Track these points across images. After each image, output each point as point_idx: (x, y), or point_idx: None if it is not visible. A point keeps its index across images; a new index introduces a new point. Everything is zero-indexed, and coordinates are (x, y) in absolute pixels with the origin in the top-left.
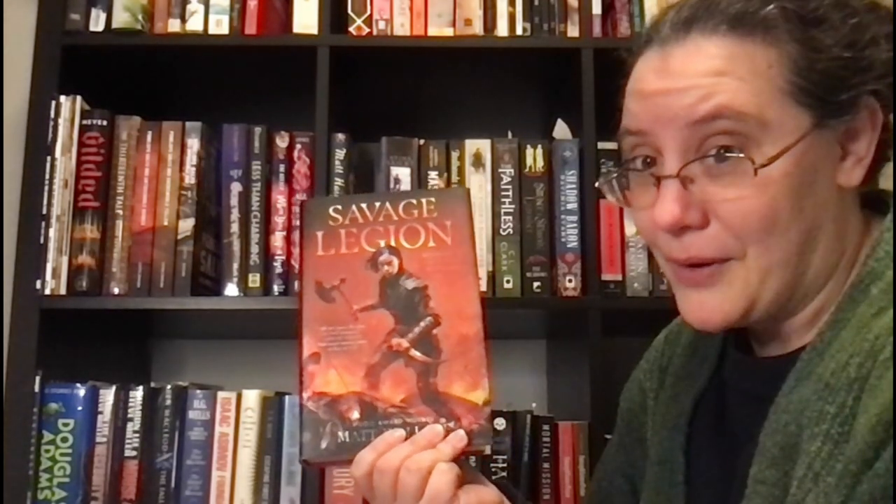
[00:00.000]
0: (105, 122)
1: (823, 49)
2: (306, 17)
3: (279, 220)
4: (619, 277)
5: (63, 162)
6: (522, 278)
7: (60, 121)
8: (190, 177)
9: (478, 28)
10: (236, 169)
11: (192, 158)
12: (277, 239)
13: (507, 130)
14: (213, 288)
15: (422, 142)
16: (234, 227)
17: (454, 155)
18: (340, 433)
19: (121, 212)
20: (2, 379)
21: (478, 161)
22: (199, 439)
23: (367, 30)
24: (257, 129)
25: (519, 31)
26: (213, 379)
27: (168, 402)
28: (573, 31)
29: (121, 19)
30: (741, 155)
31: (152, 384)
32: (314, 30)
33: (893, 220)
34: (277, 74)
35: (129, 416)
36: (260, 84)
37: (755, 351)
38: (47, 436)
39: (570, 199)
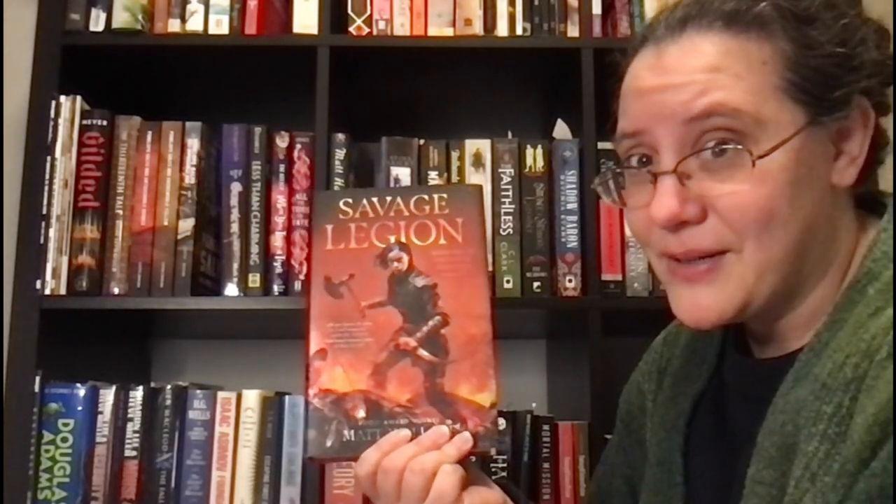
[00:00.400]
0: (105, 122)
1: (816, 46)
2: (306, 17)
3: (279, 220)
4: (619, 277)
5: (63, 162)
6: (522, 278)
7: (60, 121)
8: (190, 177)
9: (478, 28)
10: (236, 169)
11: (192, 158)
12: (277, 239)
13: (507, 130)
14: (213, 288)
15: (422, 142)
16: (234, 227)
17: (454, 155)
18: (346, 431)
19: (121, 212)
20: (2, 379)
21: (478, 161)
22: (199, 439)
23: (367, 30)
24: (257, 129)
25: (519, 31)
26: (213, 379)
27: (168, 402)
28: (573, 31)
29: (121, 19)
30: (739, 147)
31: (152, 384)
32: (314, 30)
33: (893, 220)
34: (277, 74)
35: (129, 416)
36: (260, 84)
37: (754, 352)
38: (47, 436)
39: (570, 199)
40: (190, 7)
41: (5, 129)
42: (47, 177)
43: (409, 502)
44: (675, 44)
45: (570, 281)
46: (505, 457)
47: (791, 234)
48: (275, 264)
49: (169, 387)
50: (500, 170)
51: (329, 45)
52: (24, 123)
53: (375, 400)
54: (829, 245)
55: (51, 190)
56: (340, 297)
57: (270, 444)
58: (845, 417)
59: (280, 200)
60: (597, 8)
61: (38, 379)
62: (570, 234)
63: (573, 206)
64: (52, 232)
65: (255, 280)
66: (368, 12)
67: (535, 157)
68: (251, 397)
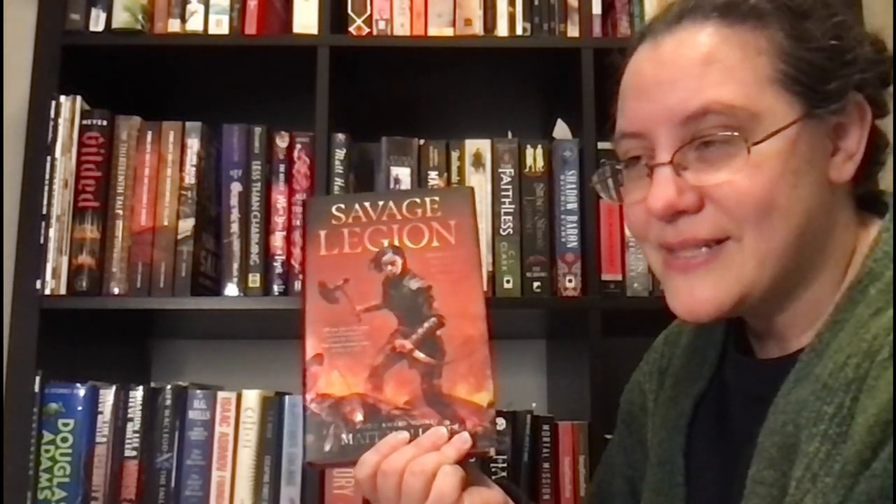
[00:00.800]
0: (105, 122)
1: (811, 39)
2: (306, 17)
3: (279, 220)
4: (619, 277)
5: (63, 162)
6: (522, 278)
7: (60, 121)
8: (190, 177)
9: (478, 28)
10: (236, 169)
11: (192, 158)
12: (277, 239)
13: (507, 130)
14: (213, 288)
15: (422, 142)
16: (234, 227)
17: (454, 155)
18: (344, 435)
19: (121, 212)
20: (2, 379)
21: (478, 161)
22: (199, 439)
23: (367, 30)
24: (257, 129)
25: (519, 31)
26: (213, 379)
27: (168, 402)
28: (573, 31)
29: (121, 19)
30: (736, 134)
31: (152, 384)
32: (314, 30)
33: (893, 220)
34: (277, 74)
35: (129, 416)
36: (260, 84)
37: (755, 352)
38: (47, 436)
39: (570, 199)
40: (190, 7)
41: (5, 129)
42: (47, 177)
43: None
44: (672, 35)
45: (570, 281)
46: (505, 457)
47: (791, 225)
48: (275, 264)
49: (169, 387)
50: (500, 170)
51: (329, 45)
52: (24, 123)
53: (373, 403)
54: (827, 241)
55: (51, 190)
56: (336, 301)
57: (270, 444)
58: (846, 418)
59: (280, 200)
60: (597, 8)
61: (38, 379)
62: (570, 234)
63: (573, 206)
64: (52, 232)
65: (255, 280)
66: (368, 12)
67: (535, 157)
68: (251, 397)
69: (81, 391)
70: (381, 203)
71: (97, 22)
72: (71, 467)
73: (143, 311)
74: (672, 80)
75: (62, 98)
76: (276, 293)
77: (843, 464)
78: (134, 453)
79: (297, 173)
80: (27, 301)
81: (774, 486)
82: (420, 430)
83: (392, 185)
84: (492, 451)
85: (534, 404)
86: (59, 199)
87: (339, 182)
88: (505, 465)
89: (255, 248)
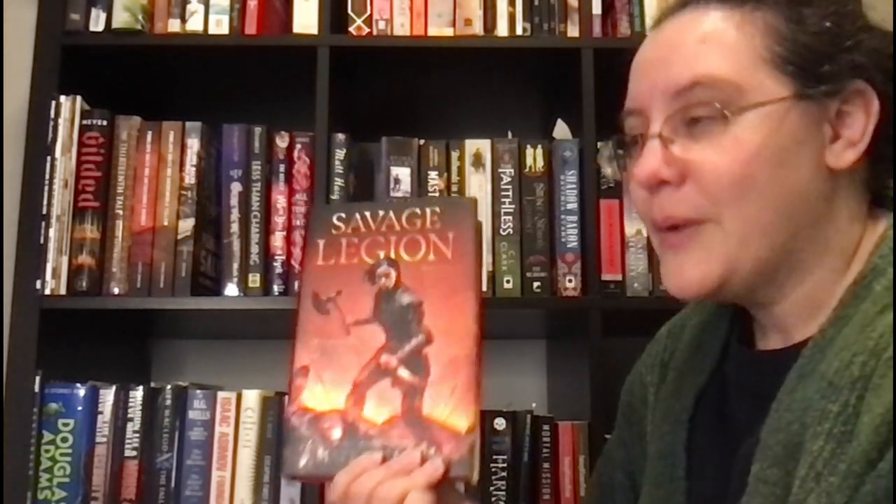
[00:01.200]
0: (105, 122)
1: (808, 23)
2: (306, 17)
3: (279, 220)
4: (619, 277)
5: (63, 162)
6: (522, 278)
7: (60, 121)
8: (190, 177)
9: (478, 28)
10: (236, 169)
11: (192, 158)
12: (277, 239)
13: (507, 130)
14: (213, 288)
15: (422, 142)
16: (234, 227)
17: (454, 155)
18: (320, 452)
19: (121, 212)
20: (2, 379)
21: (478, 161)
22: (199, 439)
23: (367, 30)
24: (257, 129)
25: (519, 31)
26: (213, 379)
27: (168, 402)
28: (573, 31)
29: (121, 19)
30: (717, 105)
31: (152, 384)
32: (314, 30)
33: (894, 216)
34: (277, 74)
35: (129, 416)
36: (260, 84)
37: (757, 344)
38: (47, 436)
39: (570, 199)
40: (190, 7)
41: (5, 129)
42: (47, 177)
43: None
44: (674, 19)
45: (570, 281)
46: (505, 457)
47: (773, 204)
48: (275, 264)
49: (169, 387)
50: (500, 170)
51: (329, 45)
52: (24, 123)
53: (352, 421)
54: (826, 228)
55: (51, 190)
56: (327, 313)
57: (270, 444)
58: (851, 417)
59: (280, 200)
60: (597, 8)
61: (38, 379)
62: (570, 234)
63: (573, 206)
64: (52, 232)
65: (255, 280)
66: (368, 12)
67: (535, 157)
68: (251, 397)
69: (81, 391)
70: (381, 213)
71: (97, 22)
72: (71, 467)
73: (143, 311)
74: (667, 57)
75: (62, 98)
76: (276, 293)
77: (848, 463)
78: (134, 453)
79: (297, 173)
80: (27, 301)
81: (778, 485)
82: (396, 452)
83: (392, 186)
84: (475, 477)
85: (534, 404)
86: (59, 199)
87: (339, 182)
88: (505, 465)
89: (255, 248)
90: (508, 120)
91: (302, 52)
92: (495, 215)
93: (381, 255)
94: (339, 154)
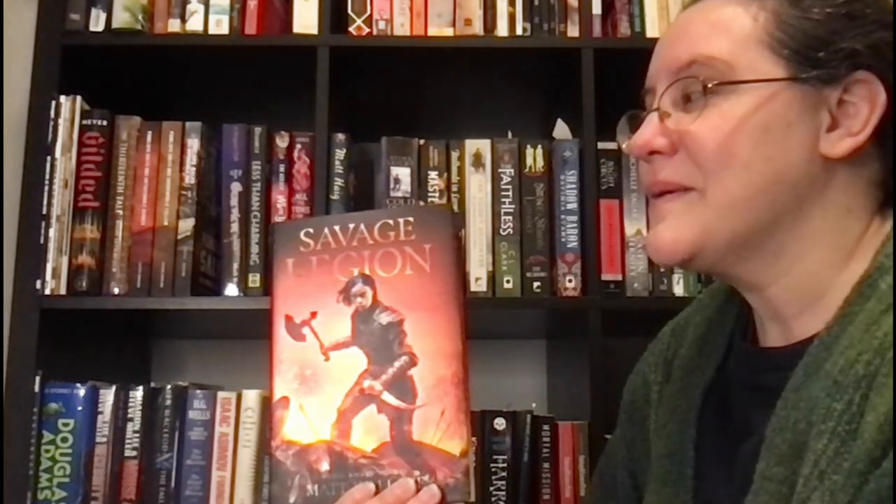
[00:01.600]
0: (105, 122)
1: (810, 12)
2: (306, 17)
3: (279, 220)
4: (619, 277)
5: (63, 162)
6: (522, 278)
7: (60, 121)
8: (190, 177)
9: (478, 28)
10: (236, 169)
11: (192, 158)
12: None
13: (507, 130)
14: (213, 288)
15: (422, 142)
16: (234, 227)
17: (454, 155)
18: (309, 486)
19: (121, 212)
20: (2, 379)
21: (478, 161)
22: (199, 439)
23: (367, 30)
24: (257, 129)
25: (519, 31)
26: (213, 379)
27: (168, 402)
28: (573, 31)
29: (121, 19)
30: (701, 78)
31: (152, 384)
32: (314, 30)
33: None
34: (277, 74)
35: (129, 416)
36: (260, 84)
37: (759, 339)
38: (47, 436)
39: (570, 199)
40: (190, 7)
41: (5, 129)
42: (47, 177)
43: None
44: (693, 8)
45: (570, 281)
46: (505, 457)
47: (755, 182)
48: None
49: (169, 387)
50: (500, 170)
51: (329, 45)
52: (24, 123)
53: (340, 451)
54: (814, 215)
55: (51, 190)
56: (303, 338)
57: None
58: (856, 415)
59: (280, 200)
60: (597, 8)
61: (38, 379)
62: (570, 234)
63: (573, 206)
64: (52, 232)
65: (255, 280)
66: (368, 12)
67: (535, 157)
68: (251, 397)
69: (81, 391)
70: (351, 226)
71: (97, 22)
72: (71, 467)
73: (143, 311)
74: (677, 38)
75: (62, 98)
76: None
77: (852, 462)
78: (134, 453)
79: (297, 173)
80: (27, 301)
81: (783, 483)
82: (388, 481)
83: (392, 186)
84: (472, 499)
85: (534, 404)
86: (59, 199)
87: (339, 182)
88: (505, 465)
89: (255, 248)
90: (508, 120)
91: (302, 52)
92: (495, 215)
93: (356, 271)
94: (339, 154)
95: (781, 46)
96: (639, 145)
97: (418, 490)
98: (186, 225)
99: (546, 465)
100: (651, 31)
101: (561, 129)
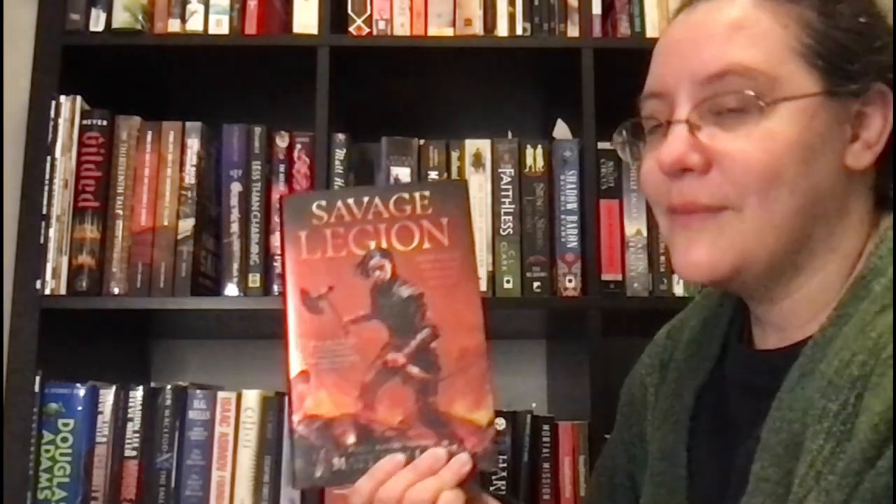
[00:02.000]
0: (105, 122)
1: (840, 20)
2: (306, 17)
3: (279, 220)
4: (619, 277)
5: (63, 162)
6: (522, 278)
7: (60, 121)
8: (190, 177)
9: (478, 28)
10: (236, 169)
11: (192, 158)
12: (277, 239)
13: (507, 130)
14: (213, 288)
15: (422, 142)
16: (234, 227)
17: (454, 155)
18: (335, 460)
19: (121, 212)
20: (2, 379)
21: (478, 161)
22: (199, 439)
23: (367, 30)
24: (257, 129)
25: (519, 31)
26: (213, 379)
27: (168, 402)
28: (573, 31)
29: (121, 19)
30: (750, 93)
31: (152, 384)
32: (314, 30)
33: (894, 216)
34: (277, 74)
35: (129, 416)
36: (260, 84)
37: (755, 342)
38: (47, 436)
39: (570, 199)
40: (190, 7)
41: (5, 129)
42: (47, 177)
43: None
44: (707, 2)
45: (570, 281)
46: (505, 457)
47: (796, 201)
48: (275, 264)
49: (169, 387)
50: (500, 170)
51: (329, 45)
52: (24, 123)
53: (365, 424)
54: (837, 229)
55: (51, 190)
56: (320, 312)
57: (270, 444)
58: (851, 416)
59: None
60: (597, 8)
61: (38, 379)
62: (570, 234)
63: (573, 206)
64: (52, 232)
65: (255, 280)
66: (368, 12)
67: (535, 157)
68: (251, 397)
69: (81, 391)
70: (365, 199)
71: (97, 22)
72: (71, 467)
73: (143, 311)
74: (698, 40)
75: (62, 98)
76: (276, 293)
77: (847, 462)
78: (134, 453)
79: (297, 173)
80: (27, 301)
81: (779, 484)
82: (416, 452)
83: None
84: (492, 469)
85: (534, 404)
86: (59, 199)
87: (339, 182)
88: (505, 465)
89: (255, 248)
90: (508, 120)
91: (302, 52)
92: (495, 215)
93: (372, 245)
94: (339, 154)
95: (815, 57)
96: (670, 161)
97: (449, 459)
98: (186, 225)
99: (546, 465)
100: (651, 31)
101: (561, 129)
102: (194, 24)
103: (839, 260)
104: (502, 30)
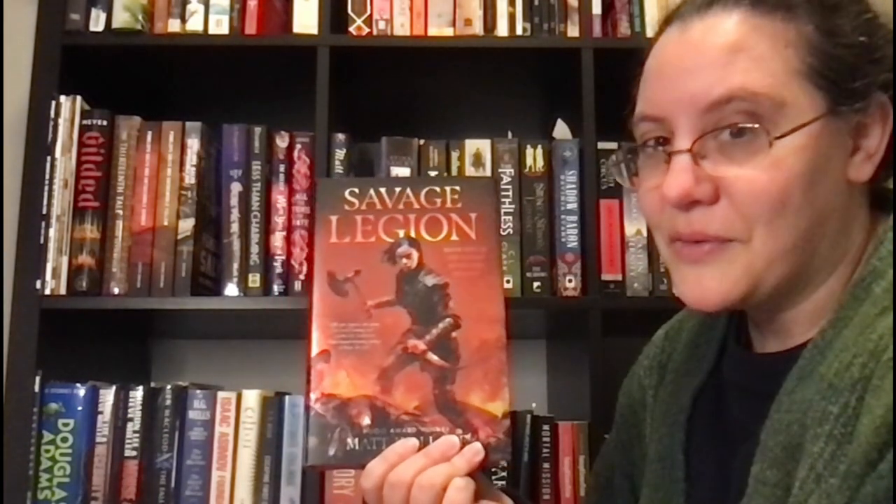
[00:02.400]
0: (105, 122)
1: (840, 34)
2: (306, 17)
3: (279, 220)
4: (619, 277)
5: (63, 162)
6: (522, 278)
7: (60, 121)
8: (190, 177)
9: (478, 28)
10: (236, 169)
11: (192, 158)
12: (277, 239)
13: (507, 130)
14: (213, 288)
15: (422, 142)
16: (234, 227)
17: (454, 155)
18: (350, 440)
19: (121, 212)
20: (2, 379)
21: (478, 161)
22: (199, 439)
23: (367, 30)
24: (257, 129)
25: (519, 31)
26: (213, 379)
27: (168, 402)
28: (573, 31)
29: (121, 19)
30: (756, 126)
31: (152, 384)
32: (314, 30)
33: (894, 218)
34: (277, 74)
35: (129, 416)
36: (260, 84)
37: (755, 345)
38: (47, 436)
39: (570, 199)
40: (190, 7)
41: (5, 129)
42: (47, 177)
43: None
44: (701, 20)
45: (570, 281)
46: None
47: (803, 225)
48: (275, 264)
49: (169, 387)
50: (500, 170)
51: (329, 45)
52: (24, 123)
53: (381, 407)
54: (840, 240)
55: (51, 190)
56: (345, 294)
57: (270, 444)
58: (851, 418)
59: (280, 200)
60: (597, 8)
61: (38, 379)
62: (570, 234)
63: (573, 206)
64: (52, 232)
65: (255, 280)
66: (368, 12)
67: (535, 157)
68: (251, 397)
69: (81, 391)
70: (397, 189)
71: (97, 22)
72: (71, 467)
73: (143, 311)
74: (697, 65)
75: (62, 98)
76: (276, 293)
77: (848, 465)
78: (134, 453)
79: (297, 173)
80: (27, 301)
81: (778, 487)
82: (430, 438)
83: None
84: (503, 462)
85: (534, 404)
86: (59, 199)
87: None
88: (505, 464)
89: (255, 248)
90: (508, 120)
91: (302, 52)
92: None
93: (401, 233)
94: (339, 154)
95: (819, 77)
96: (677, 195)
97: (462, 447)
98: (186, 225)
99: (546, 465)
100: (651, 31)
101: (561, 129)
102: (194, 24)
103: (843, 267)
104: (502, 30)
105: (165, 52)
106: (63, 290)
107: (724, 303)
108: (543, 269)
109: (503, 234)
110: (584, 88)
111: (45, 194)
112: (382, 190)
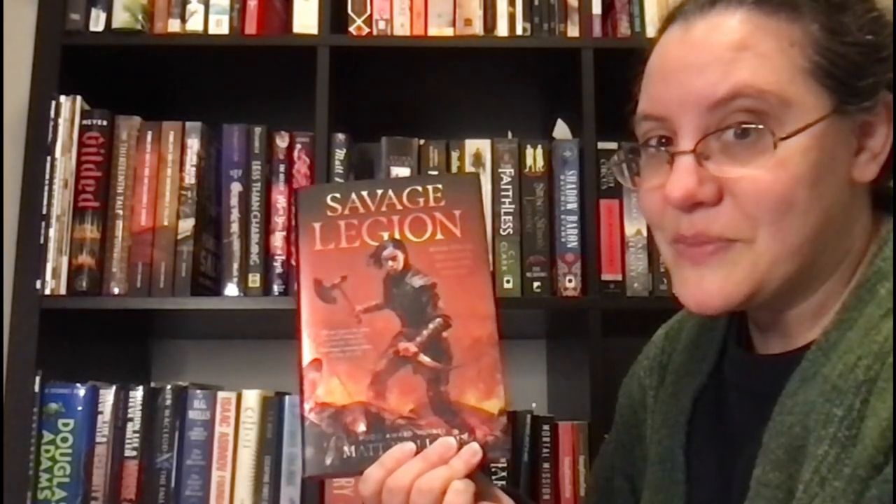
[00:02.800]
0: (105, 122)
1: (846, 33)
2: (306, 17)
3: (279, 220)
4: (619, 277)
5: (63, 162)
6: (522, 278)
7: (60, 121)
8: (190, 177)
9: (478, 28)
10: (236, 169)
11: (192, 158)
12: (277, 239)
13: (507, 130)
14: (213, 288)
15: (422, 142)
16: (234, 227)
17: (454, 155)
18: (346, 448)
19: (121, 212)
20: (2, 379)
21: (478, 161)
22: (199, 439)
23: (367, 30)
24: (257, 129)
25: (519, 31)
26: (213, 379)
27: (168, 402)
28: (573, 31)
29: (121, 19)
30: (761, 126)
31: (152, 384)
32: (314, 30)
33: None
34: (277, 74)
35: (129, 416)
36: (260, 84)
37: (756, 346)
38: (47, 436)
39: (570, 199)
40: (190, 7)
41: (5, 129)
42: (47, 177)
43: None
44: (704, 19)
45: (570, 281)
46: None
47: (808, 225)
48: (275, 264)
49: (169, 387)
50: (500, 170)
51: (329, 45)
52: (24, 123)
53: (376, 412)
54: (844, 240)
55: (51, 190)
56: (333, 301)
57: (270, 444)
58: (856, 421)
59: (280, 200)
60: (597, 8)
61: (38, 379)
62: (570, 234)
63: (573, 206)
64: (52, 232)
65: (255, 280)
66: (368, 12)
67: (535, 157)
68: (251, 397)
69: (81, 391)
70: (379, 192)
71: (97, 22)
72: (71, 467)
73: (143, 311)
74: (701, 64)
75: (62, 98)
76: (276, 293)
77: (853, 468)
78: (134, 453)
79: (297, 173)
80: (27, 301)
81: (780, 489)
82: (427, 441)
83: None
84: (502, 459)
85: (534, 404)
86: (59, 199)
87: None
88: (505, 464)
89: (255, 248)
90: (508, 120)
91: (302, 52)
92: (495, 215)
93: (385, 236)
94: (339, 154)
95: (825, 75)
96: (681, 197)
97: (460, 449)
98: (186, 225)
99: (546, 465)
100: (651, 31)
101: (561, 129)
102: (194, 24)
103: (845, 267)
104: (502, 30)
105: (165, 52)
106: (63, 290)
107: (725, 305)
108: (543, 269)
109: (503, 234)
110: (584, 88)
111: (45, 194)
112: (364, 193)
